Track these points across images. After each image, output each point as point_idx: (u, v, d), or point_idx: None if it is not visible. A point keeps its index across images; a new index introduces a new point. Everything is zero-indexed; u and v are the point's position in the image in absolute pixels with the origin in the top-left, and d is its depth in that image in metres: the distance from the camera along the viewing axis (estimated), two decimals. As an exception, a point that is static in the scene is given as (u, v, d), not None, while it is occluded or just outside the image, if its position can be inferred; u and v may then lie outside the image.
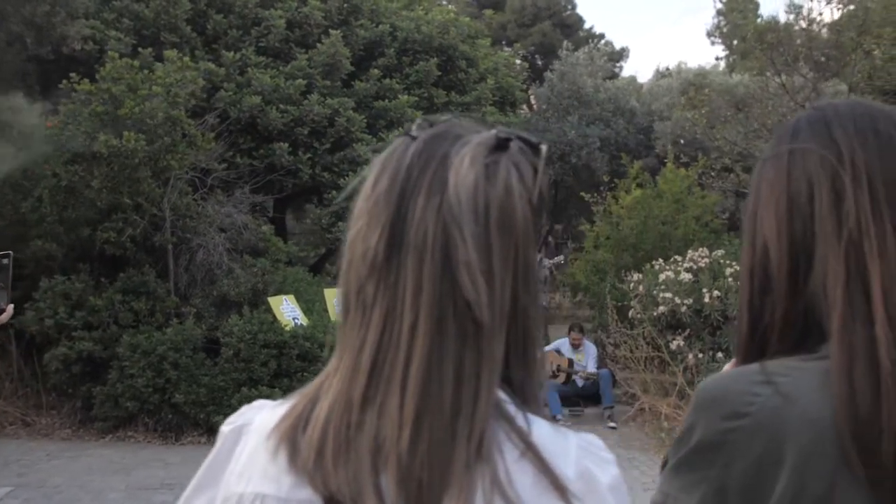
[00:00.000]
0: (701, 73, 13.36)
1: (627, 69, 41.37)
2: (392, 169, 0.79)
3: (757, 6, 19.47)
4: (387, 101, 11.40)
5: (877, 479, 0.75)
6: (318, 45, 11.21)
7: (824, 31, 8.56)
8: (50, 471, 6.48)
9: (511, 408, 0.76)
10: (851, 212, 0.84)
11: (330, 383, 0.79)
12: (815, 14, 9.13)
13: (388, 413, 0.73)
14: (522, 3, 19.58)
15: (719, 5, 18.75)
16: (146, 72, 7.57)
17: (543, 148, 0.88)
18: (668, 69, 17.55)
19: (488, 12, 15.81)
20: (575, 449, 0.76)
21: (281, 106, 10.66)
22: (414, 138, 0.83)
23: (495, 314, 0.74)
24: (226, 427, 0.86)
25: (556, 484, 0.71)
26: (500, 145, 0.81)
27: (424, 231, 0.75)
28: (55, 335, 7.63)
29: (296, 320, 7.92)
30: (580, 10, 50.59)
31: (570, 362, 8.82)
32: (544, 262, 10.48)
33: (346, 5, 12.04)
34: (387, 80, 11.66)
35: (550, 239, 16.86)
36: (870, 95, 7.66)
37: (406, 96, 11.37)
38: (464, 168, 0.77)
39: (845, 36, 7.72)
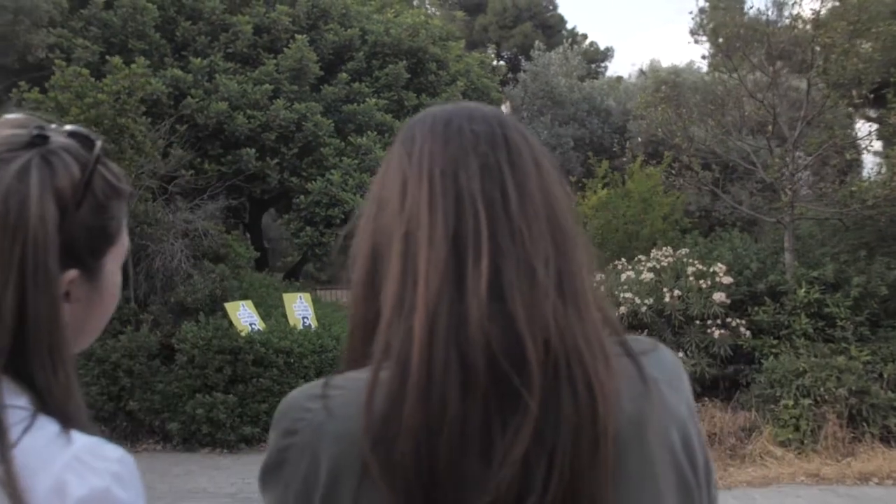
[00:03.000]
0: (674, 72, 13.30)
1: (616, 69, 41.39)
2: None
3: (742, 3, 19.40)
4: (356, 104, 11.38)
5: (395, 484, 0.69)
6: (286, 49, 11.21)
7: (803, 25, 8.50)
8: (-4, 481, 6.43)
9: (13, 415, 0.73)
10: (409, 203, 0.80)
11: None
12: (794, 10, 9.12)
13: None
14: (504, 5, 19.54)
15: (702, 3, 18.66)
16: (93, 80, 7.55)
17: (98, 143, 0.86)
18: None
19: (459, 14, 15.78)
20: (66, 460, 0.72)
21: (248, 111, 10.65)
22: None
23: None
24: None
25: (14, 499, 0.68)
26: (34, 142, 0.79)
27: None
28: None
29: (253, 326, 7.89)
30: (572, 12, 50.61)
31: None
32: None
33: (314, 10, 12.03)
34: (356, 84, 11.65)
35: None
36: (825, 89, 7.60)
37: (374, 99, 11.34)
38: None
39: (801, 30, 7.67)
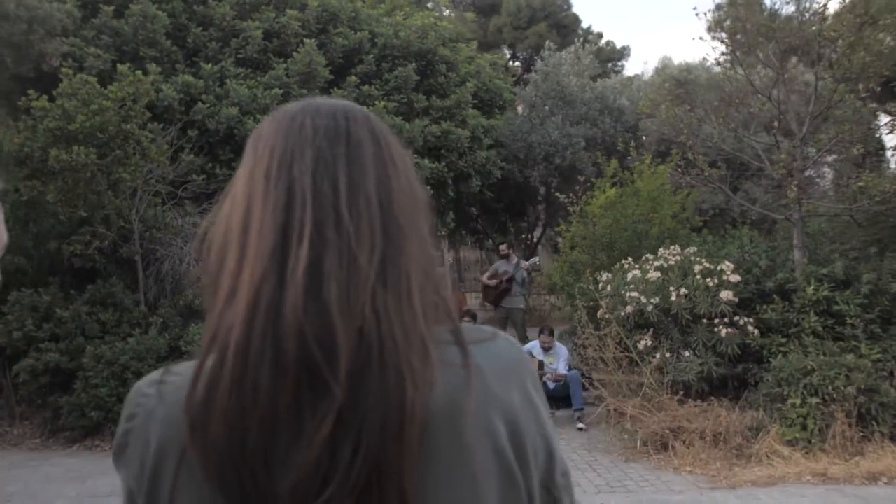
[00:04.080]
0: (686, 69, 13.18)
1: (634, 68, 40.99)
2: None
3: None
4: (365, 107, 11.40)
5: (209, 466, 0.73)
6: (295, 54, 11.30)
7: (812, 18, 8.37)
8: (8, 480, 6.60)
9: None
10: (248, 196, 0.85)
11: None
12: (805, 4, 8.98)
13: None
14: (518, 6, 19.48)
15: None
16: (100, 87, 7.69)
17: None
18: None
19: (469, 15, 15.77)
20: None
21: (258, 116, 10.75)
22: None
23: None
24: None
25: None
26: None
27: None
28: (23, 347, 7.77)
29: (259, 327, 7.96)
30: (588, 11, 50.25)
31: (541, 364, 8.73)
32: (521, 263, 10.39)
33: (324, 14, 12.11)
34: (365, 87, 11.71)
35: (535, 241, 16.67)
36: (833, 83, 7.48)
37: (383, 102, 11.39)
38: None
39: (807, 24, 7.56)
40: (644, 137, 11.34)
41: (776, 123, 7.83)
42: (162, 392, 0.81)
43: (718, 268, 7.95)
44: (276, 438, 0.72)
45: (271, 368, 0.72)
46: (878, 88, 7.37)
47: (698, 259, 8.23)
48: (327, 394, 0.72)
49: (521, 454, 0.81)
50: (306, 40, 11.25)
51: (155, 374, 0.85)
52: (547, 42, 14.60)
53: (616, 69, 21.07)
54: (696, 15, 8.16)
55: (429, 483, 0.75)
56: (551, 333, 8.89)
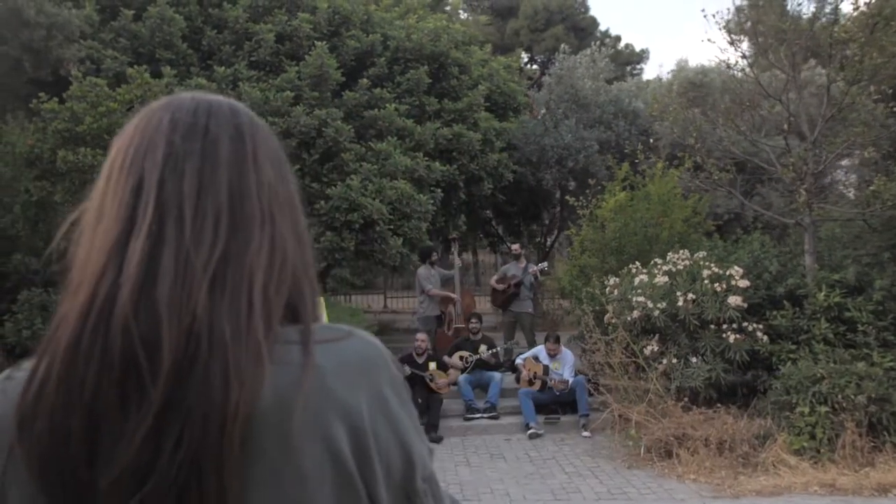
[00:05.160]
0: (701, 72, 13.04)
1: (653, 71, 40.64)
2: None
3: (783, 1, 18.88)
4: (377, 110, 11.46)
5: (33, 463, 0.72)
6: (307, 56, 11.36)
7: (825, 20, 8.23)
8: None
9: None
10: (102, 192, 0.84)
11: None
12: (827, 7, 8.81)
13: None
14: (535, 8, 19.41)
15: (738, 2, 18.25)
16: (108, 90, 7.79)
17: None
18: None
19: (482, 18, 15.74)
20: None
21: (269, 118, 10.82)
22: None
23: None
24: None
25: None
26: None
27: None
28: (32, 346, 7.86)
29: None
30: (606, 14, 50.03)
31: (546, 369, 8.66)
32: (529, 267, 10.33)
33: (335, 17, 12.17)
34: (377, 90, 11.73)
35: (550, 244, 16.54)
36: (845, 86, 7.33)
37: (394, 104, 11.41)
38: None
39: (818, 26, 7.42)
40: (652, 140, 11.23)
41: (786, 126, 7.69)
42: (5, 389, 0.80)
43: (727, 273, 7.83)
44: (100, 435, 0.72)
45: (98, 365, 0.72)
46: (891, 90, 7.20)
47: (707, 264, 8.11)
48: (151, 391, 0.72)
49: (365, 459, 0.78)
50: (318, 43, 11.30)
51: (7, 371, 0.85)
52: (562, 45, 14.53)
53: (635, 72, 20.91)
54: (705, 17, 8.03)
55: (253, 483, 0.74)
56: (557, 341, 8.81)
